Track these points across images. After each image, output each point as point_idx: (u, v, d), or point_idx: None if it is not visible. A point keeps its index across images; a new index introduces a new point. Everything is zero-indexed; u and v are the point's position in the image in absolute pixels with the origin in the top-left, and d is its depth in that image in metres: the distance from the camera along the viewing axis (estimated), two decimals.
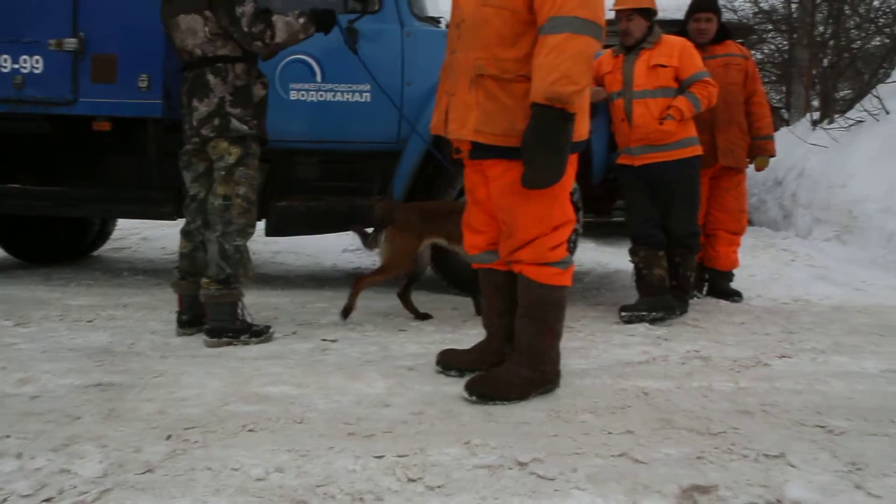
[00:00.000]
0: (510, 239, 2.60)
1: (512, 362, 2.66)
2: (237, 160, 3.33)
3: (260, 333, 3.40)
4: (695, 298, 4.59)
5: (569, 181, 2.56)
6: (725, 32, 4.64)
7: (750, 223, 8.97)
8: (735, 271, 4.89)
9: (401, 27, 4.43)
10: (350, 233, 6.45)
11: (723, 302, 4.60)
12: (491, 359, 2.82)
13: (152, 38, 4.16)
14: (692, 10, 4.56)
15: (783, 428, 2.36)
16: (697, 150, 4.04)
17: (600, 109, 4.22)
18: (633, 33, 4.02)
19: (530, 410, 2.50)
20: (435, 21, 4.85)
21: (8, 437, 2.19)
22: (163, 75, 4.22)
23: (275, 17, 3.32)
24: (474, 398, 2.55)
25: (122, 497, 1.85)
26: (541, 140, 2.34)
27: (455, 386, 2.68)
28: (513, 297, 2.70)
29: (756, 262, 6.23)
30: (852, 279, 5.32)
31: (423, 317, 3.90)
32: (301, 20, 3.42)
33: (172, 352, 3.20)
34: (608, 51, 4.22)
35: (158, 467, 2.01)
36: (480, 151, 2.57)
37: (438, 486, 1.91)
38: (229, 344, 3.31)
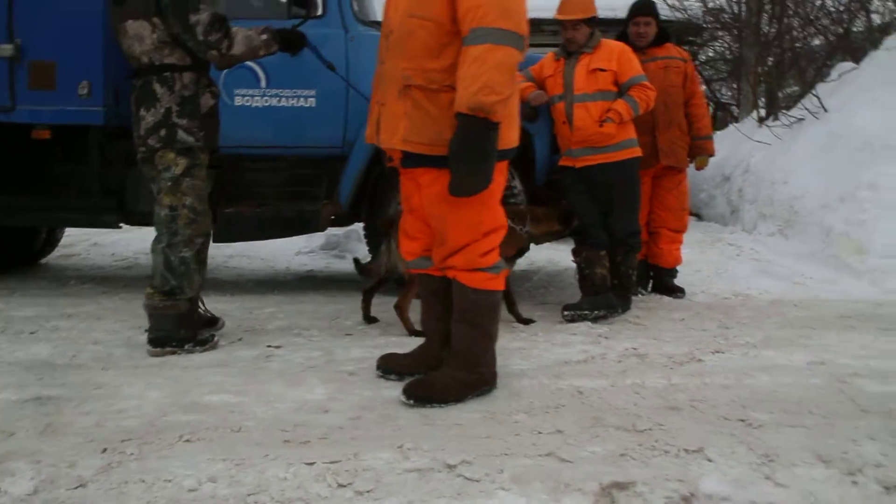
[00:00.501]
0: (442, 246, 2.65)
1: (449, 366, 2.72)
2: (184, 171, 3.31)
3: (204, 342, 3.40)
4: (639, 295, 4.70)
5: (498, 188, 2.63)
6: (664, 35, 4.76)
7: (700, 218, 9.21)
8: (682, 267, 5.02)
9: (345, 32, 4.47)
10: (304, 236, 6.51)
11: (666, 298, 4.71)
12: (430, 362, 2.87)
13: (92, 44, 4.15)
14: (632, 14, 4.68)
15: (707, 423, 2.45)
16: (637, 152, 4.14)
17: (542, 112, 4.30)
18: (577, 41, 4.10)
19: (466, 412, 2.56)
20: (379, 26, 4.87)
21: None
22: (105, 81, 4.19)
23: (235, 29, 3.29)
24: (412, 402, 2.60)
25: None
26: (466, 149, 2.39)
27: (395, 390, 2.73)
28: (449, 301, 2.75)
29: (703, 257, 6.38)
30: (792, 273, 5.47)
31: (371, 320, 3.94)
32: (263, 37, 3.37)
33: (114, 363, 3.19)
34: (550, 54, 4.31)
35: (91, 481, 2.02)
36: (411, 160, 2.62)
37: (367, 491, 1.95)
38: (173, 353, 3.31)
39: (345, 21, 4.50)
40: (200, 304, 3.65)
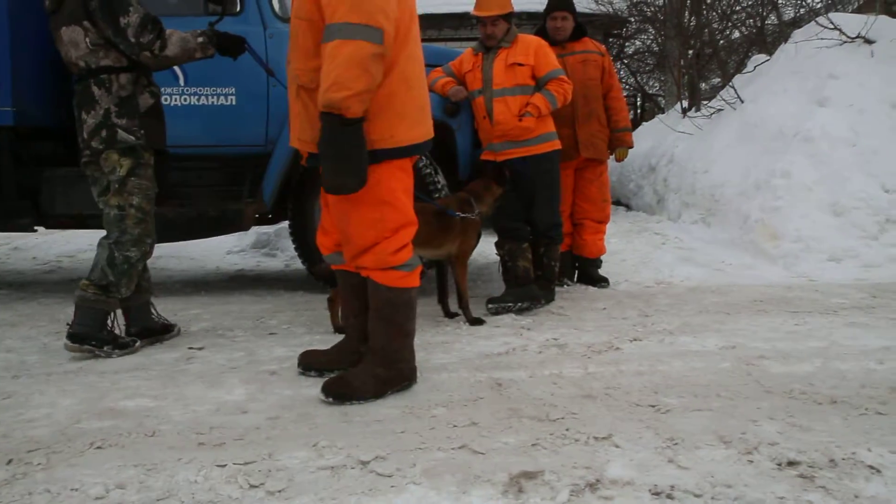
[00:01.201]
0: (348, 244, 2.67)
1: (367, 362, 2.72)
2: (128, 171, 3.31)
3: (124, 346, 3.35)
4: (565, 286, 4.79)
5: (400, 185, 2.62)
6: (582, 30, 4.85)
7: (629, 208, 9.42)
8: (608, 256, 5.13)
9: (263, 29, 4.42)
10: (235, 234, 6.43)
11: (590, 288, 4.81)
12: (350, 358, 2.88)
13: None
14: (549, 9, 4.76)
15: (618, 410, 2.52)
16: (556, 145, 4.22)
17: (464, 107, 4.34)
18: (496, 36, 4.16)
19: (385, 408, 2.57)
20: None
21: None
22: (13, 81, 4.06)
23: (169, 31, 3.29)
24: (331, 399, 2.61)
25: None
26: (326, 147, 2.41)
27: (315, 388, 2.72)
28: (367, 297, 2.76)
29: (629, 246, 6.53)
30: (713, 260, 5.65)
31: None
32: (200, 39, 3.38)
33: (27, 370, 3.11)
34: (468, 49, 4.36)
35: None
36: (312, 158, 2.65)
37: (279, 491, 1.95)
38: (90, 352, 3.25)
39: (263, 18, 4.45)
40: (153, 310, 3.63)
